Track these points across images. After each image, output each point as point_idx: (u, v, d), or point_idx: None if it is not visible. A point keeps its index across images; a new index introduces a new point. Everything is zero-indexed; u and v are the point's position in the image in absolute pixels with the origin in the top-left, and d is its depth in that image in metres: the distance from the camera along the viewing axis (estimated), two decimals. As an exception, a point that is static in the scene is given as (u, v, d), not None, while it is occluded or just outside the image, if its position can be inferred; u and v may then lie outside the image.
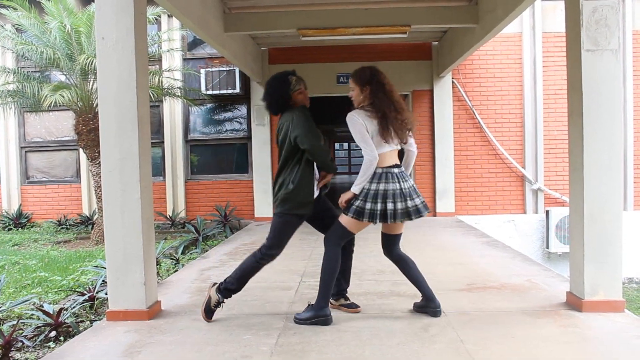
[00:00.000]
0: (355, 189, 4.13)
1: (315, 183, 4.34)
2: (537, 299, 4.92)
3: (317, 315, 4.24)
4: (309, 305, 4.40)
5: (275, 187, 4.33)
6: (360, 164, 4.12)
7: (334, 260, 4.22)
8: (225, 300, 4.39)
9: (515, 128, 11.37)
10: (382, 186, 4.06)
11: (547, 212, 10.90)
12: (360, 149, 4.10)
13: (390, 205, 4.05)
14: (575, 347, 3.74)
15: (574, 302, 4.60)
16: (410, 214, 4.12)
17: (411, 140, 4.38)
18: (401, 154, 4.36)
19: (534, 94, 11.27)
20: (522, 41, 11.29)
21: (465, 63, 11.26)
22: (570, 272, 4.76)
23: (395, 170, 4.16)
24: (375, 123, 4.09)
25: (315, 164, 4.29)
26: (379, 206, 4.05)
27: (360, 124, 4.08)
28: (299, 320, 4.29)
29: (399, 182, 4.12)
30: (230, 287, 4.35)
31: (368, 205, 4.06)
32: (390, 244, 4.41)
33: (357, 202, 4.10)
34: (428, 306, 4.43)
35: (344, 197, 4.21)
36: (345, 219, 4.19)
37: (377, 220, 4.09)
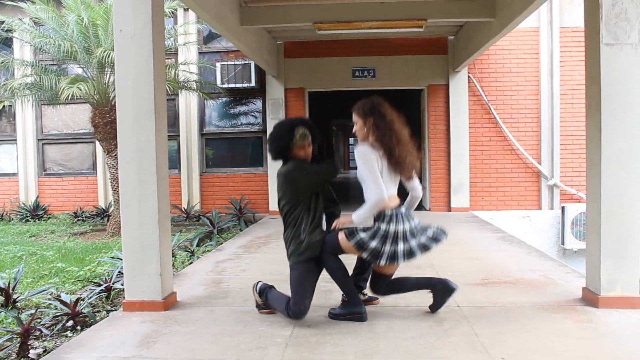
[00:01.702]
0: (356, 217, 4.01)
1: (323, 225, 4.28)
2: (553, 294, 4.90)
3: (351, 312, 4.20)
4: (343, 301, 4.37)
5: (285, 243, 4.27)
6: None
7: (335, 267, 4.16)
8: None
9: (532, 123, 11.29)
10: (392, 227, 3.94)
11: (563, 208, 10.83)
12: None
13: (402, 246, 3.95)
14: (591, 342, 3.72)
15: (590, 298, 4.57)
16: (427, 246, 4.06)
17: (415, 182, 4.27)
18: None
19: (550, 89, 11.17)
20: (539, 36, 11.20)
21: (481, 58, 11.19)
22: (586, 267, 4.72)
23: (402, 210, 4.08)
24: (383, 161, 4.02)
25: (314, 211, 4.20)
26: (386, 247, 3.93)
27: (373, 160, 3.97)
28: (334, 315, 4.26)
29: (409, 222, 4.03)
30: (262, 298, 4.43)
31: (373, 244, 3.94)
32: (380, 283, 4.31)
33: (363, 235, 3.98)
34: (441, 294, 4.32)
35: (341, 221, 4.13)
36: (343, 240, 4.07)
37: (380, 262, 3.97)
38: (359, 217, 4.00)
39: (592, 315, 4.28)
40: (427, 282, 4.39)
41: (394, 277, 4.34)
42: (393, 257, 3.94)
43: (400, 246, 3.94)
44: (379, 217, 4.00)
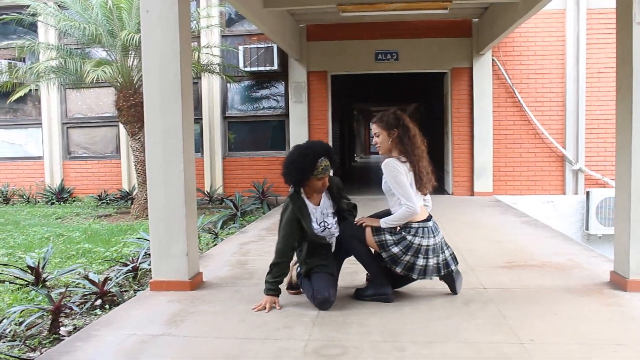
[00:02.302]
0: (384, 224, 4.08)
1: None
2: (580, 278, 4.86)
3: (377, 293, 4.21)
4: (368, 281, 4.40)
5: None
6: None
7: (361, 250, 4.19)
8: None
9: (557, 107, 11.15)
10: (417, 240, 4.01)
11: (588, 193, 10.71)
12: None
13: (421, 261, 4.03)
14: (620, 325, 3.69)
15: (618, 282, 4.52)
16: (441, 269, 4.14)
17: (428, 196, 4.31)
18: None
19: (576, 73, 11.01)
20: (565, 18, 11.01)
21: (505, 40, 11.04)
22: (615, 251, 4.67)
23: (430, 224, 4.13)
24: (411, 175, 4.06)
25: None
26: (406, 257, 4.02)
27: (403, 173, 4.01)
28: (360, 296, 4.26)
29: (434, 236, 4.09)
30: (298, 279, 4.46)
31: (395, 249, 4.02)
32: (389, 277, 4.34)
33: (388, 237, 4.05)
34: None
35: (368, 221, 4.17)
36: (369, 234, 4.11)
37: (397, 269, 4.06)
38: (387, 223, 4.07)
39: (620, 299, 4.23)
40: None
41: None
42: (410, 269, 4.06)
43: (420, 261, 4.03)
44: (405, 227, 4.06)
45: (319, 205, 4.29)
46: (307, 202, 4.24)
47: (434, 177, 4.26)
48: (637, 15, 4.33)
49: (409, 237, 4.02)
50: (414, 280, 4.22)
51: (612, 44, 4.71)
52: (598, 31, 10.90)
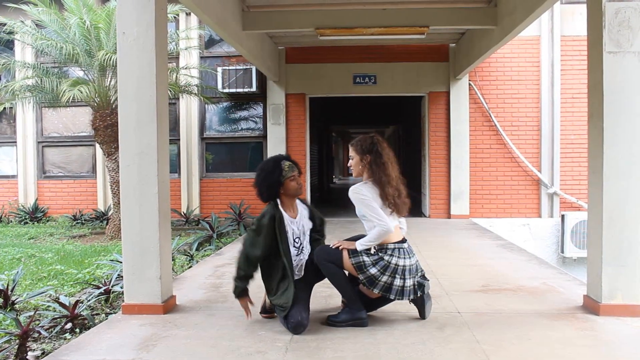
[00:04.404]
0: (360, 246, 4.08)
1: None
2: (554, 302, 4.89)
3: (353, 318, 4.18)
4: (344, 306, 4.36)
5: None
6: None
7: (335, 272, 4.15)
8: None
9: (532, 131, 11.30)
10: (394, 260, 4.04)
11: (563, 216, 10.82)
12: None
13: (399, 282, 4.03)
14: (593, 350, 3.71)
15: (591, 306, 4.56)
16: (417, 290, 4.14)
17: (402, 219, 4.36)
18: None
19: (551, 98, 11.19)
20: (540, 44, 11.22)
21: (482, 65, 11.21)
22: (587, 275, 4.72)
23: (405, 245, 4.16)
24: (378, 197, 4.09)
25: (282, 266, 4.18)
26: (383, 278, 4.02)
27: (369, 196, 4.05)
28: (335, 322, 4.21)
29: (409, 257, 4.12)
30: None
31: (373, 270, 4.02)
32: (361, 300, 4.31)
33: (366, 258, 4.05)
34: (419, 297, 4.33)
35: (345, 244, 4.16)
36: (346, 259, 4.09)
37: (374, 290, 4.05)
38: (363, 246, 4.08)
39: (594, 323, 4.26)
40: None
41: None
42: (387, 290, 4.04)
43: (397, 281, 4.04)
44: (382, 248, 4.08)
45: (296, 218, 4.30)
46: (285, 214, 4.23)
47: (408, 201, 4.28)
48: (608, 44, 4.42)
49: (386, 257, 4.02)
50: (390, 301, 4.22)
51: (586, 71, 4.79)
52: (572, 57, 11.11)
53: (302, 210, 4.40)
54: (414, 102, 13.62)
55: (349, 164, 4.32)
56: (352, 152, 4.27)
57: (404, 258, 4.07)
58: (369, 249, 4.09)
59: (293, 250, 4.23)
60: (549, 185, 11.19)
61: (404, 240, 4.18)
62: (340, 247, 4.14)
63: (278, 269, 4.15)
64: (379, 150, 4.18)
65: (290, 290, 4.06)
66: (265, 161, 4.37)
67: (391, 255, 4.04)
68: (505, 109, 11.35)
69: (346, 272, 4.19)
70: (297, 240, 4.27)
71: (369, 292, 4.19)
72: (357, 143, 4.25)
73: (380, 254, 4.05)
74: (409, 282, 4.07)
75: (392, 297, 4.06)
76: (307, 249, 4.37)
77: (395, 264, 4.02)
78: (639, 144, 4.43)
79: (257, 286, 4.40)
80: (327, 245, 4.28)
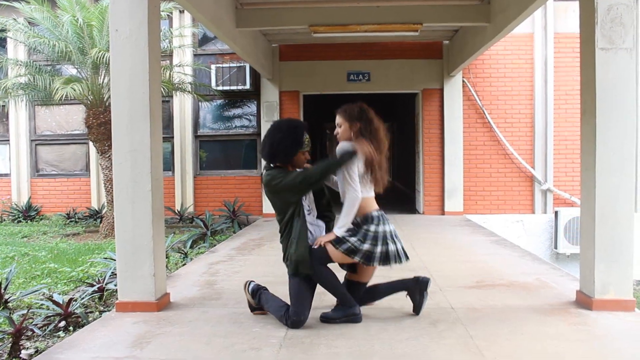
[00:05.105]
0: (339, 231, 4.03)
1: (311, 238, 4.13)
2: (547, 297, 4.91)
3: (347, 314, 4.17)
4: (338, 303, 4.33)
5: (282, 249, 4.20)
6: None
7: (324, 276, 4.10)
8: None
9: (525, 128, 11.33)
10: (381, 227, 4.02)
11: (556, 212, 10.85)
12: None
13: (392, 246, 4.02)
14: (585, 344, 3.73)
15: (584, 301, 4.58)
16: (400, 256, 4.09)
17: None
18: None
19: (544, 94, 11.22)
20: (533, 41, 11.24)
21: (475, 62, 11.23)
22: (580, 270, 4.74)
23: (382, 212, 4.16)
24: (362, 164, 4.03)
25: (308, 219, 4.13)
26: (378, 248, 3.98)
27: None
28: (329, 319, 4.19)
29: (389, 223, 4.12)
30: (254, 299, 4.39)
31: (365, 246, 3.97)
32: (355, 293, 4.28)
33: (352, 239, 3.99)
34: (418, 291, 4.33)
35: (323, 240, 4.07)
36: (332, 250, 4.03)
37: (373, 263, 4.01)
38: (341, 228, 4.04)
39: (586, 318, 4.29)
40: (400, 284, 4.40)
41: (368, 284, 4.37)
42: (386, 258, 4.00)
43: (392, 246, 4.02)
44: (367, 220, 4.05)
45: None
46: None
47: (386, 177, 4.24)
48: (600, 41, 4.44)
49: (372, 228, 4.00)
50: (383, 296, 4.31)
51: (579, 67, 4.81)
52: (565, 54, 11.15)
53: None
54: (408, 100, 13.63)
55: (335, 132, 4.24)
56: (339, 119, 4.19)
57: (387, 224, 4.07)
58: (350, 230, 4.05)
59: (306, 207, 4.16)
60: (543, 181, 11.23)
61: (379, 209, 4.17)
62: (322, 244, 4.07)
63: (295, 225, 4.04)
64: (369, 117, 4.13)
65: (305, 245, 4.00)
66: (291, 122, 4.23)
67: (377, 224, 4.02)
68: (499, 106, 11.37)
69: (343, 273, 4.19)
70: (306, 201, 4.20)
71: (366, 273, 4.23)
72: (345, 110, 4.18)
73: (364, 227, 4.02)
74: (399, 245, 4.08)
75: (392, 262, 4.01)
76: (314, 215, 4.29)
77: (383, 231, 4.01)
78: (630, 140, 4.46)
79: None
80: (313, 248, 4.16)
